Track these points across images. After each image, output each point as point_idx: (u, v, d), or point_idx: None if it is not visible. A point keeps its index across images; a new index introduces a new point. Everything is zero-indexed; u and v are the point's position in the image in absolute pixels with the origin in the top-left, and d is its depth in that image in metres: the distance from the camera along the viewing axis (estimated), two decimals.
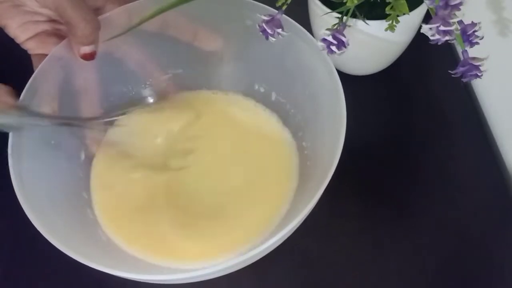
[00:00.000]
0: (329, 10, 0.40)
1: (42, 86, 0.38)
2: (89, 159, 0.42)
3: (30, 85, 0.37)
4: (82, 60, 0.38)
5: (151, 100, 0.46)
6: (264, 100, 0.45)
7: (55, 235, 0.31)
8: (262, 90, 0.45)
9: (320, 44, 0.32)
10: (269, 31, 0.33)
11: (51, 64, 0.38)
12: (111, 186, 0.42)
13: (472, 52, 0.30)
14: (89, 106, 0.42)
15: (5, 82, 0.36)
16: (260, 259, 0.32)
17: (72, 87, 0.41)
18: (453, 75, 0.30)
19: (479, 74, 0.30)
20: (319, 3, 0.41)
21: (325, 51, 0.33)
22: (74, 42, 0.37)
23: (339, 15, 0.33)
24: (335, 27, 0.33)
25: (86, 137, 0.42)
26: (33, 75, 0.37)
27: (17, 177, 0.33)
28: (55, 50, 0.38)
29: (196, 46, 0.42)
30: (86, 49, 0.37)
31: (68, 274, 0.40)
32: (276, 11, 0.34)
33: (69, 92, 0.40)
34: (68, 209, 0.37)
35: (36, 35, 0.39)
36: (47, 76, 0.38)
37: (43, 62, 0.38)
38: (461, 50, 0.30)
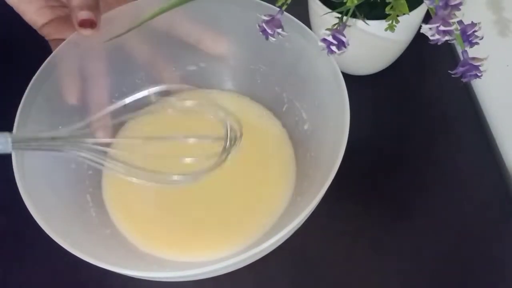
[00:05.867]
0: (329, 10, 0.40)
1: (56, 70, 0.38)
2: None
3: (45, 66, 0.37)
4: (85, 33, 0.37)
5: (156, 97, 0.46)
6: (263, 97, 0.45)
7: (57, 231, 0.31)
8: (260, 82, 0.45)
9: (320, 44, 0.32)
10: (269, 31, 0.33)
11: (67, 48, 0.39)
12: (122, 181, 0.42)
13: (472, 52, 0.30)
14: (98, 94, 0.42)
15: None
16: (261, 258, 0.33)
17: (84, 74, 0.41)
18: (453, 75, 0.30)
19: (479, 74, 0.30)
20: (319, 3, 0.41)
21: (325, 51, 0.33)
22: (72, 11, 0.37)
23: (339, 15, 0.33)
24: (335, 27, 0.33)
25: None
26: (48, 58, 0.38)
27: (19, 170, 0.33)
28: (72, 36, 0.39)
29: (202, 49, 0.42)
30: (84, 14, 0.37)
31: (69, 273, 0.40)
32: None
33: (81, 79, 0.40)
34: (71, 204, 0.38)
35: (52, 20, 0.40)
36: (62, 59, 0.38)
37: (58, 47, 0.38)
38: (461, 50, 0.30)
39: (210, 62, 0.45)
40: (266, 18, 0.33)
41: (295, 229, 0.32)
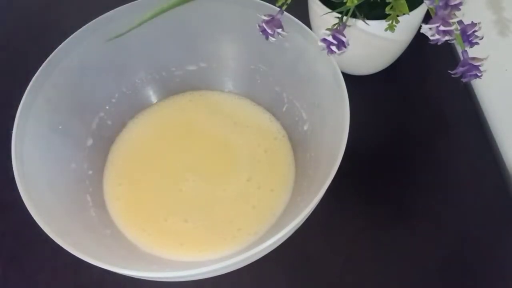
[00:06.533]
0: (329, 10, 0.40)
1: (56, 70, 0.38)
2: (94, 150, 0.43)
3: (45, 66, 0.37)
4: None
5: (156, 97, 0.46)
6: (263, 97, 0.45)
7: (57, 231, 0.31)
8: (260, 82, 0.45)
9: (320, 44, 0.32)
10: (269, 31, 0.33)
11: (67, 48, 0.39)
12: (122, 181, 0.42)
13: (472, 52, 0.30)
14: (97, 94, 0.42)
15: None
16: (261, 258, 0.33)
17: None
18: (453, 75, 0.30)
19: (479, 74, 0.30)
20: (319, 3, 0.41)
21: (325, 51, 0.33)
22: None
23: (339, 15, 0.33)
24: (335, 27, 0.33)
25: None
26: (48, 58, 0.38)
27: (19, 170, 0.33)
28: (72, 36, 0.39)
29: None
30: None
31: (69, 273, 0.40)
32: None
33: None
34: (71, 204, 0.38)
35: None
36: (62, 59, 0.39)
37: (58, 47, 0.38)
38: (461, 50, 0.30)
39: (210, 62, 0.45)
40: (266, 18, 0.33)
41: (295, 229, 0.32)
